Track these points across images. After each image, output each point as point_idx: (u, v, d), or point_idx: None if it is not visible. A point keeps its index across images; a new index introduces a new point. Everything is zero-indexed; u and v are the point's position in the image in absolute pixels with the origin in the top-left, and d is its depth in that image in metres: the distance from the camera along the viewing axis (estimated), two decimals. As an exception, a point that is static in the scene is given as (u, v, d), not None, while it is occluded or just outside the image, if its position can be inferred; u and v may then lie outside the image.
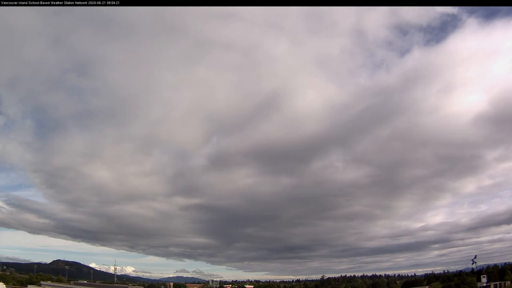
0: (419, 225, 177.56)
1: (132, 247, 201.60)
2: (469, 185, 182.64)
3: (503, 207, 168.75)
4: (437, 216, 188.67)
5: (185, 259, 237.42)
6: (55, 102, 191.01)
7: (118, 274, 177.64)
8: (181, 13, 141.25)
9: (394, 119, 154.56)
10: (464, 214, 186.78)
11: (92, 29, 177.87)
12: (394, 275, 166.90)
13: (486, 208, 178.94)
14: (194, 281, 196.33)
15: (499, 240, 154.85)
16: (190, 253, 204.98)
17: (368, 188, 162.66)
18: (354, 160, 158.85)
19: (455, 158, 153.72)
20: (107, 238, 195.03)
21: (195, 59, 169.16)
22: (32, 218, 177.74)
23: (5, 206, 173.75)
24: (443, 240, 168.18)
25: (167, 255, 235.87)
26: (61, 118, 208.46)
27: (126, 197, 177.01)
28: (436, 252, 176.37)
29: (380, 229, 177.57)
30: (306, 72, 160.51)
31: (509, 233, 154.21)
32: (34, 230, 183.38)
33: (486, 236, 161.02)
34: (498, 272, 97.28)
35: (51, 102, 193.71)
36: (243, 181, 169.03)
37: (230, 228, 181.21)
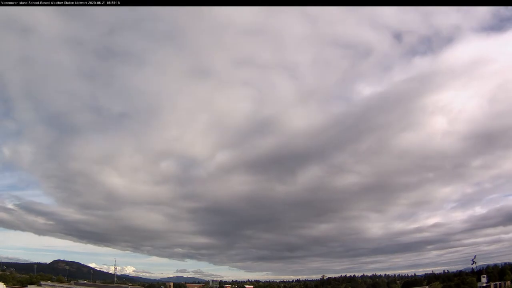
0: (416, 226, 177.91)
1: (137, 248, 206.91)
2: (460, 190, 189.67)
3: (497, 209, 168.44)
4: (434, 218, 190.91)
5: (186, 259, 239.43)
6: (72, 110, 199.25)
7: (118, 274, 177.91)
8: (209, 58, 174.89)
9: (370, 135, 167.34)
10: (461, 216, 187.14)
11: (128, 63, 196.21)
12: (394, 275, 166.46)
13: (482, 210, 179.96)
14: (194, 281, 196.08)
15: (497, 241, 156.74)
16: (193, 253, 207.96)
17: (362, 194, 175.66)
18: (344, 170, 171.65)
19: (439, 168, 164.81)
20: (113, 240, 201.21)
21: (214, 92, 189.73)
22: (40, 220, 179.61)
23: (16, 208, 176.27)
24: (442, 240, 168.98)
25: (171, 255, 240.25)
26: (78, 126, 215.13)
27: (135, 202, 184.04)
28: (435, 252, 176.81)
29: (378, 231, 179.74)
30: (299, 102, 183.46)
31: (507, 233, 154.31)
32: (41, 231, 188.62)
33: (484, 237, 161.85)
34: (498, 272, 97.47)
35: (68, 110, 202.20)
36: (246, 187, 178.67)
37: (233, 230, 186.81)
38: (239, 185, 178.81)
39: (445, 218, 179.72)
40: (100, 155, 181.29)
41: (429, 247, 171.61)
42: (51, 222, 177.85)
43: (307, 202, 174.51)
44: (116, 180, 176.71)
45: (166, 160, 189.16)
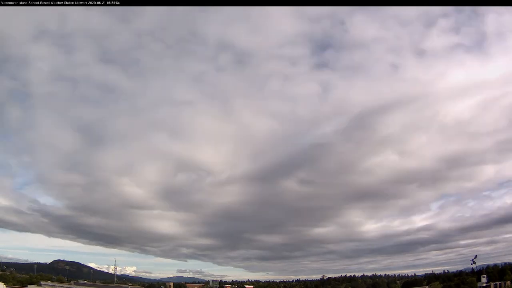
0: (415, 226, 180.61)
1: (144, 249, 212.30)
2: (445, 198, 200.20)
3: (483, 214, 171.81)
4: (426, 220, 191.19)
5: (189, 260, 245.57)
6: (95, 120, 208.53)
7: (119, 274, 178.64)
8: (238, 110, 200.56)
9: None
10: (452, 218, 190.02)
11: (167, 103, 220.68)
12: (394, 275, 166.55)
13: (471, 214, 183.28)
14: (194, 281, 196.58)
15: (495, 241, 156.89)
16: (198, 254, 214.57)
17: (357, 201, 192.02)
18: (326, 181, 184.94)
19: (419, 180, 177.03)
20: (121, 242, 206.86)
21: (236, 130, 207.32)
22: (53, 223, 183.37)
23: (32, 212, 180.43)
24: (442, 241, 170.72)
25: (176, 256, 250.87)
26: (100, 136, 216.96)
27: (147, 208, 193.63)
28: (435, 252, 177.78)
29: (376, 232, 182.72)
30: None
31: (499, 235, 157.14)
32: (51, 233, 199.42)
33: (479, 238, 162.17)
34: (498, 272, 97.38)
35: (91, 120, 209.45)
36: (249, 195, 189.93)
37: (236, 232, 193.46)
38: (243, 193, 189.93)
39: (436, 221, 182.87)
40: (121, 166, 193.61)
41: (431, 246, 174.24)
42: (62, 225, 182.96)
43: (306, 206, 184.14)
44: (131, 189, 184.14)
45: (180, 172, 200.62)
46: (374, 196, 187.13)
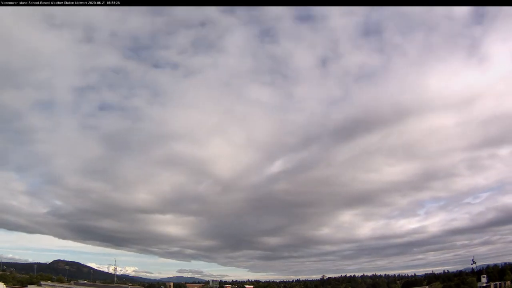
0: (416, 226, 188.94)
1: (149, 250, 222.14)
2: (435, 202, 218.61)
3: (472, 218, 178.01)
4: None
5: (192, 260, 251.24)
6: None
7: (119, 274, 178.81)
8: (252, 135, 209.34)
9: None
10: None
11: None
12: (394, 275, 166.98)
13: (465, 215, 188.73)
14: (194, 281, 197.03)
15: (490, 242, 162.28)
16: (201, 255, 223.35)
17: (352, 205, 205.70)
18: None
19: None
20: (129, 244, 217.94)
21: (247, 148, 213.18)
22: (64, 226, 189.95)
23: (45, 215, 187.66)
24: (437, 242, 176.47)
25: (180, 257, 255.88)
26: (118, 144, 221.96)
27: (156, 212, 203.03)
28: (433, 253, 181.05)
29: (372, 233, 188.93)
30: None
31: (496, 235, 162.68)
32: (61, 235, 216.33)
33: (477, 239, 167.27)
34: (498, 272, 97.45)
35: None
36: (253, 201, 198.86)
37: (239, 233, 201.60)
38: (247, 199, 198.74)
39: (428, 224, 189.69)
40: (135, 173, 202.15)
41: (432, 246, 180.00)
42: (73, 228, 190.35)
43: (306, 210, 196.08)
44: (143, 195, 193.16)
45: (191, 181, 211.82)
46: (366, 202, 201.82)
